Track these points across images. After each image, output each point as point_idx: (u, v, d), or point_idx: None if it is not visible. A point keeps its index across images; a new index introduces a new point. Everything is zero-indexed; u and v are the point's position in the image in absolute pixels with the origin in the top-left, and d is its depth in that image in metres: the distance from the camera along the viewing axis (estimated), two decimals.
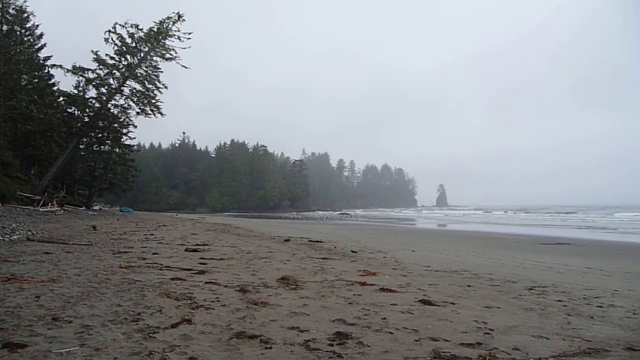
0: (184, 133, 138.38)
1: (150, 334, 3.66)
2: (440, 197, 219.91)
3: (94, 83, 38.87)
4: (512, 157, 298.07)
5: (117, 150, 46.13)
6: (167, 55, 40.19)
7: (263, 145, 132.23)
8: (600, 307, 5.52)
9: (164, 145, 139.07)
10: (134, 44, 38.90)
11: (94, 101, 39.91)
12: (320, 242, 14.61)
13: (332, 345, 3.56)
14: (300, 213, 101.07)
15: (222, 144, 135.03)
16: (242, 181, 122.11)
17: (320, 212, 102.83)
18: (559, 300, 5.81)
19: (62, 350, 3.20)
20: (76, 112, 41.34)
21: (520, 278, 7.88)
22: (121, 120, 42.66)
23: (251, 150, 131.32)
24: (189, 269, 7.27)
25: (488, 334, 4.04)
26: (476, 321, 4.47)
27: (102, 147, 44.79)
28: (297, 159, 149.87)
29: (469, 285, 6.76)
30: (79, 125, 40.17)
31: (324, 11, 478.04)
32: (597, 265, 10.77)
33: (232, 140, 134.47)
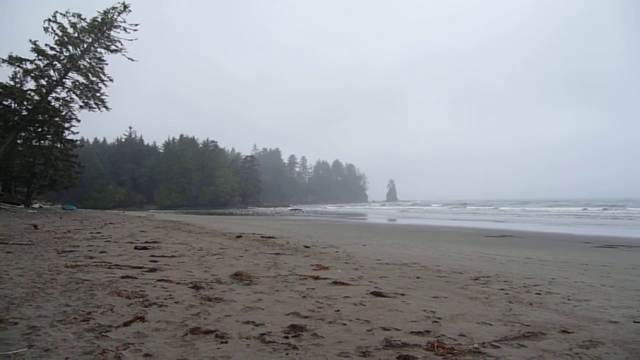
0: (130, 128, 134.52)
1: (103, 333, 3.60)
2: (390, 193, 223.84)
3: (32, 74, 36.77)
4: (464, 157, 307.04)
5: (59, 146, 43.98)
6: (113, 47, 38.61)
7: (213, 141, 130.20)
8: (539, 294, 5.87)
9: (109, 141, 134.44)
10: (76, 34, 37.08)
11: (32, 93, 37.74)
12: (273, 237, 14.63)
13: (287, 337, 3.63)
14: (251, 209, 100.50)
15: (171, 139, 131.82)
16: (192, 177, 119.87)
17: (272, 208, 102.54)
18: (502, 289, 6.13)
19: (9, 352, 3.10)
20: (13, 104, 39.10)
21: (466, 269, 8.22)
22: (63, 114, 40.69)
23: (201, 145, 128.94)
24: (139, 267, 7.12)
25: (436, 322, 4.23)
26: (425, 311, 4.66)
27: (42, 142, 42.49)
28: (248, 154, 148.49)
29: (418, 277, 7.01)
30: (16, 119, 37.96)
31: (296, 3, 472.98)
32: (536, 256, 11.37)
33: (182, 136, 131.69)
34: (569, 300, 5.52)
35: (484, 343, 3.59)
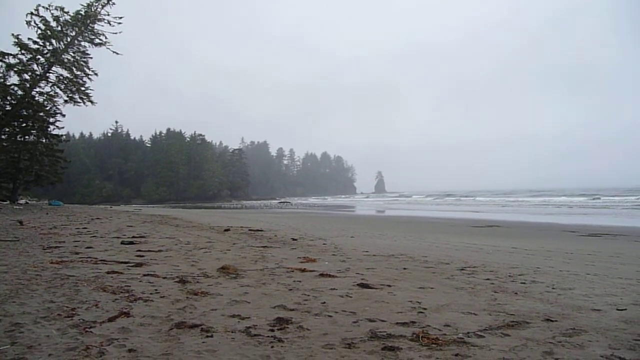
0: (116, 122, 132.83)
1: (87, 329, 3.57)
2: (379, 184, 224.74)
3: (15, 69, 36.17)
4: (453, 148, 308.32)
5: (44, 141, 43.25)
6: (97, 41, 38.08)
7: (201, 134, 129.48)
8: (524, 283, 5.93)
9: (96, 135, 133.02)
10: (59, 28, 36.47)
11: (16, 88, 37.15)
12: (261, 230, 14.60)
13: (273, 330, 3.63)
14: (240, 202, 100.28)
15: (158, 133, 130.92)
16: (180, 171, 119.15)
17: (260, 201, 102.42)
18: (487, 279, 6.18)
19: None
20: None
21: (453, 259, 8.28)
22: (47, 108, 40.07)
23: (188, 139, 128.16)
24: (125, 262, 7.06)
25: (422, 312, 4.25)
26: (411, 301, 4.68)
27: (26, 137, 41.75)
28: (236, 147, 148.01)
29: (404, 268, 7.04)
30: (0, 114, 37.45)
31: None
32: (522, 245, 11.49)
33: (169, 129, 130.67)
34: (553, 289, 5.58)
35: (468, 333, 3.62)
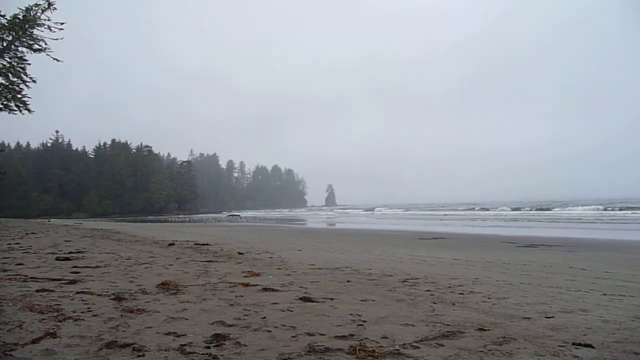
0: (57, 132, 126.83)
1: (7, 352, 3.35)
2: (329, 197, 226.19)
3: None
4: (401, 161, 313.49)
5: None
6: (36, 46, 36.52)
7: (147, 146, 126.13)
8: (462, 294, 6.11)
9: (34, 145, 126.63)
10: None
11: None
12: (207, 244, 14.32)
13: (208, 347, 3.54)
14: (188, 215, 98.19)
15: (102, 144, 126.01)
16: (125, 183, 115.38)
17: (209, 215, 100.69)
18: (428, 290, 6.31)
19: None
20: None
21: (397, 271, 8.41)
22: None
23: (134, 150, 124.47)
24: (58, 279, 6.71)
25: (361, 325, 4.28)
26: (351, 314, 4.71)
27: None
28: (184, 160, 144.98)
29: (348, 281, 7.08)
30: None
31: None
32: (464, 257, 11.85)
33: (114, 140, 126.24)
34: (489, 298, 5.77)
35: (404, 344, 3.68)
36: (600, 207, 54.60)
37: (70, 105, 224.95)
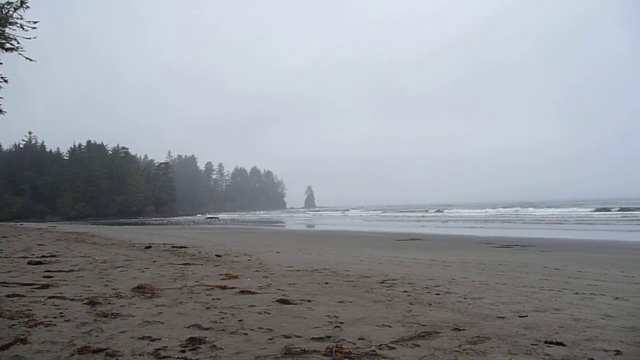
0: (30, 133, 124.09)
1: None
2: (309, 199, 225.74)
3: None
4: (388, 162, 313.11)
5: None
6: (8, 45, 35.67)
7: (124, 147, 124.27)
8: (438, 294, 6.17)
9: (6, 146, 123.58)
10: None
11: None
12: (185, 247, 14.16)
13: (184, 351, 3.50)
14: (165, 218, 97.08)
15: (77, 146, 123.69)
16: (101, 186, 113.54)
17: (187, 217, 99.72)
18: (405, 291, 6.36)
19: None
20: None
21: (374, 273, 8.45)
22: None
23: (111, 152, 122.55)
24: (30, 284, 6.55)
25: (338, 327, 4.29)
26: (329, 316, 4.71)
27: None
28: (162, 161, 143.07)
29: (326, 283, 7.09)
30: None
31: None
32: (441, 257, 11.98)
33: (89, 142, 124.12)
34: (464, 299, 5.84)
35: (380, 345, 3.70)
36: (578, 208, 55.61)
37: (56, 104, 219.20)
